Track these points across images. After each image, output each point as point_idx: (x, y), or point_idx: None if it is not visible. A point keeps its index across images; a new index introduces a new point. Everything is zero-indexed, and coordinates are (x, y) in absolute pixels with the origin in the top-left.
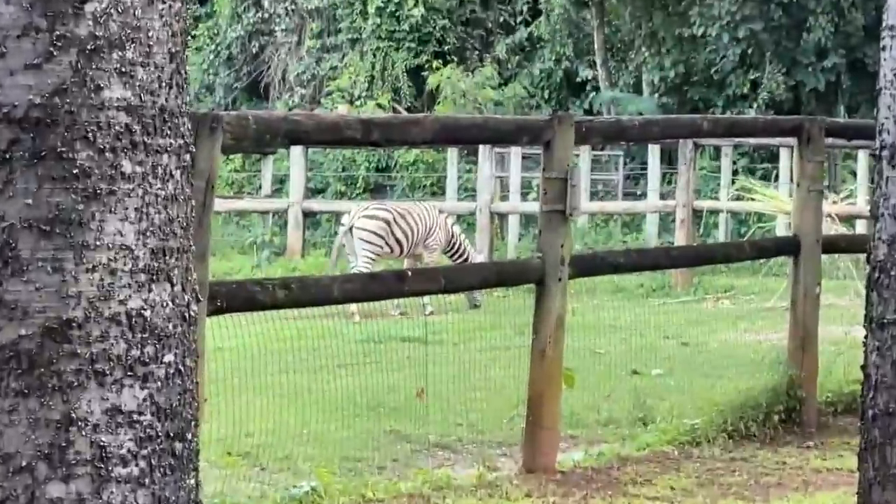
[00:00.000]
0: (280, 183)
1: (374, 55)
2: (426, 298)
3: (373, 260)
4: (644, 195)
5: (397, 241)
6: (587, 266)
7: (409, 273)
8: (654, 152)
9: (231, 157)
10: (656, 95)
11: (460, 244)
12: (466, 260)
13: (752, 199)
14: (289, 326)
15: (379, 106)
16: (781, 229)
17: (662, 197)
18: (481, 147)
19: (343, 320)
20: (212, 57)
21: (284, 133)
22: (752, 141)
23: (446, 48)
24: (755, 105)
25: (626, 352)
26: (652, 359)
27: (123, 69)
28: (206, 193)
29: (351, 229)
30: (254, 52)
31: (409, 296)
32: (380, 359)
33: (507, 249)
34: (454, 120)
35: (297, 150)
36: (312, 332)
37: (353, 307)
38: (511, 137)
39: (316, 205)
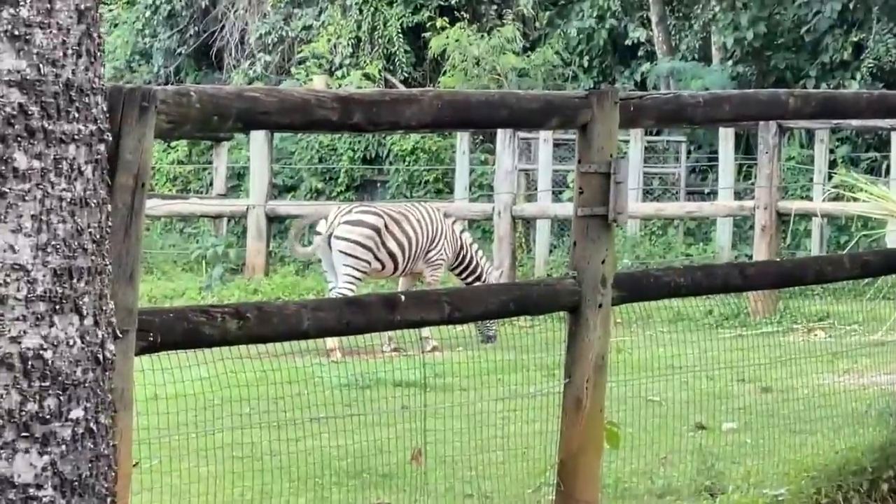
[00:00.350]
0: (238, 178)
1: (361, 12)
2: (426, 331)
3: (358, 279)
4: (713, 194)
5: (390, 254)
6: (637, 288)
7: (403, 297)
8: (726, 138)
9: (173, 145)
10: (729, 64)
11: (472, 258)
12: (480, 279)
13: (855, 199)
14: (246, 368)
15: (366, 77)
16: (894, 239)
17: (738, 196)
18: (500, 132)
19: (319, 359)
20: (148, 14)
21: (238, 114)
22: (855, 123)
23: (454, 2)
24: (858, 76)
25: (690, 400)
26: (723, 409)
27: (16, 32)
28: (135, 194)
29: (329, 239)
30: (203, 7)
31: (402, 327)
32: (365, 410)
33: (534, 265)
34: (463, 96)
35: (259, 137)
36: (277, 375)
37: (332, 342)
38: (537, 119)
39: (284, 207)
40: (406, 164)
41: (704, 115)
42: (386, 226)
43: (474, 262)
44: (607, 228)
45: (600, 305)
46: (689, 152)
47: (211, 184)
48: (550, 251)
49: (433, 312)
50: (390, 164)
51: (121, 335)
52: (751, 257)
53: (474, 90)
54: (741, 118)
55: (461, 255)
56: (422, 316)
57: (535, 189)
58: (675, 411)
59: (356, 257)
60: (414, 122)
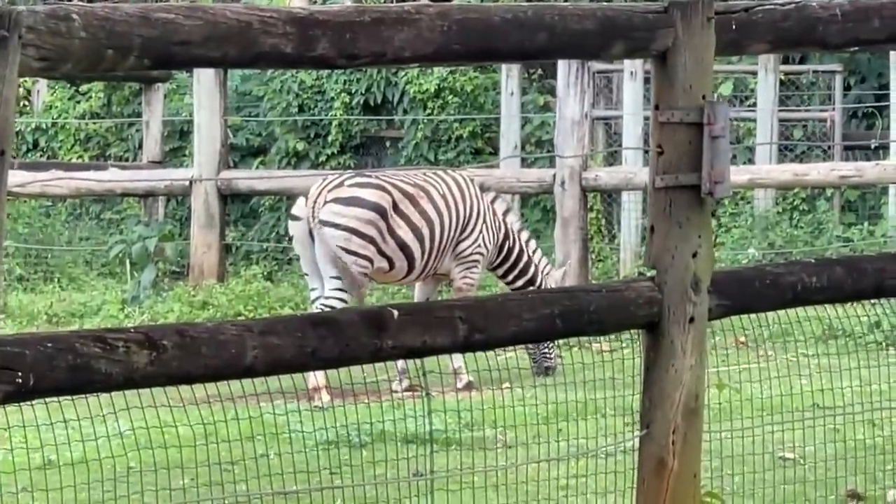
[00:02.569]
0: (179, 138)
1: None
2: (458, 359)
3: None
4: (883, 150)
5: (401, 246)
6: (745, 293)
7: (395, 313)
8: None
9: (83, 90)
10: None
11: (523, 252)
12: (534, 283)
13: None
14: (187, 419)
15: None
16: None
17: None
18: (562, 63)
19: (296, 404)
20: None
21: (144, 45)
22: None
23: None
24: None
25: (840, 456)
26: (890, 470)
27: None
28: None
29: (313, 227)
30: None
31: (394, 357)
32: (356, 480)
33: (618, 259)
34: (480, 14)
35: (207, 76)
36: (232, 428)
37: (315, 379)
38: (591, 45)
39: (247, 180)
40: (428, 112)
41: (843, 35)
42: (395, 204)
43: (525, 258)
44: (700, 205)
45: (691, 320)
46: (846, 88)
47: (140, 146)
48: (643, 238)
49: (441, 334)
50: (405, 112)
51: None
52: None
53: (498, 4)
54: None
55: (506, 249)
56: (424, 339)
57: (620, 146)
58: (817, 473)
59: (352, 253)
60: (408, 52)
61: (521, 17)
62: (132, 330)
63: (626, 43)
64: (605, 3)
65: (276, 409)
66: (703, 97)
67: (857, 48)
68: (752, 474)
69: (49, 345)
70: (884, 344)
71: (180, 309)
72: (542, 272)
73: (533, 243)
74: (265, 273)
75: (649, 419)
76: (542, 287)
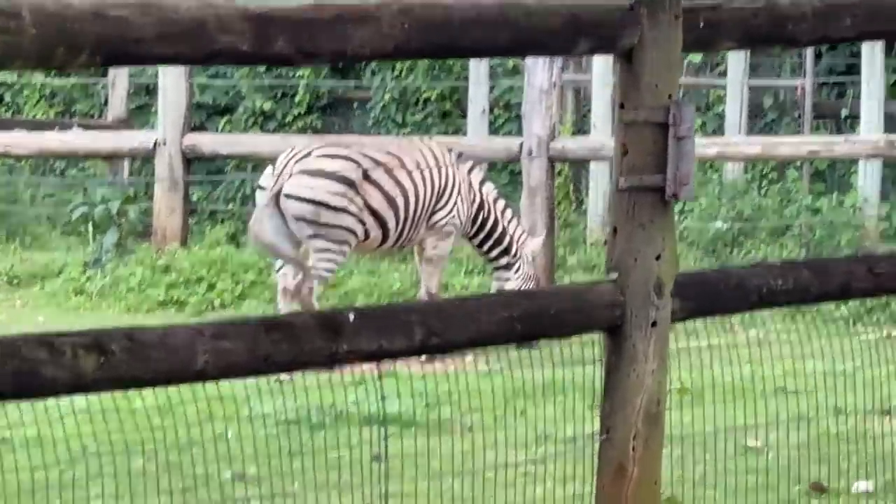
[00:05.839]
0: (146, 96)
1: None
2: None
3: (343, 256)
4: (853, 120)
5: (375, 215)
6: (709, 296)
7: (351, 316)
8: None
9: None
10: None
11: (497, 222)
12: (510, 252)
13: None
14: (141, 399)
15: None
16: None
17: (890, 122)
18: None
19: (255, 382)
20: None
21: (97, 42)
22: None
23: None
24: None
25: (805, 445)
26: (855, 460)
27: None
28: None
29: (279, 198)
30: None
31: (350, 361)
32: (315, 464)
33: (586, 226)
34: (441, 11)
35: None
36: (189, 411)
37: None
38: (556, 43)
39: (212, 142)
40: (396, 74)
41: (813, 33)
42: (366, 174)
43: (500, 228)
44: (664, 207)
45: (654, 324)
46: (817, 56)
47: (106, 103)
48: (611, 205)
49: (398, 338)
50: (373, 74)
51: None
52: None
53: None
54: (870, 35)
55: (481, 219)
56: (381, 343)
57: (589, 114)
58: (781, 463)
59: (324, 225)
60: (367, 49)
61: (483, 14)
62: (79, 335)
63: (592, 40)
64: (578, 2)
65: (235, 387)
66: (670, 97)
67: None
68: (714, 462)
69: None
70: (850, 320)
71: (142, 273)
72: (518, 242)
73: (509, 213)
74: (229, 234)
75: (609, 424)
76: (519, 256)
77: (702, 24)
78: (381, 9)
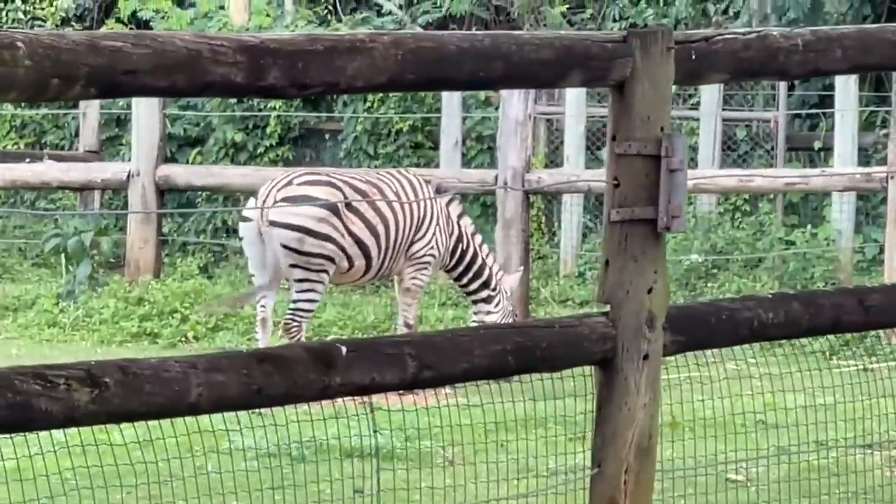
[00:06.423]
0: (117, 127)
1: None
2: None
3: (321, 285)
4: (827, 152)
5: (358, 243)
6: (701, 329)
7: (344, 349)
8: None
9: None
10: None
11: (476, 255)
12: (488, 286)
13: None
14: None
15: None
16: None
17: (864, 156)
18: None
19: (235, 413)
20: None
21: (91, 74)
22: None
23: None
24: None
25: (786, 478)
26: (839, 494)
27: None
28: None
29: (262, 228)
30: None
31: (343, 394)
32: (297, 498)
33: (558, 259)
34: (435, 43)
35: None
36: (169, 445)
37: None
38: (548, 75)
39: (185, 173)
40: (368, 105)
41: (804, 66)
42: (348, 202)
43: (479, 261)
44: (656, 240)
45: (646, 357)
46: (790, 88)
47: (76, 134)
48: (584, 236)
49: (391, 371)
50: (344, 105)
51: None
52: (882, 248)
53: (453, 32)
54: (863, 68)
55: (459, 251)
56: (373, 376)
57: (562, 146)
58: (762, 498)
59: (306, 254)
60: (360, 81)
61: (476, 45)
62: (73, 367)
63: (584, 73)
64: (562, 33)
65: (215, 420)
66: (662, 129)
67: (821, 76)
68: (695, 497)
69: None
70: (829, 353)
71: (115, 305)
72: (496, 276)
73: (486, 247)
74: (201, 266)
75: (601, 457)
76: (498, 290)
77: (693, 57)
78: (374, 41)
